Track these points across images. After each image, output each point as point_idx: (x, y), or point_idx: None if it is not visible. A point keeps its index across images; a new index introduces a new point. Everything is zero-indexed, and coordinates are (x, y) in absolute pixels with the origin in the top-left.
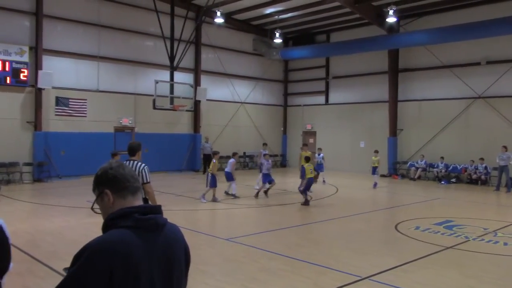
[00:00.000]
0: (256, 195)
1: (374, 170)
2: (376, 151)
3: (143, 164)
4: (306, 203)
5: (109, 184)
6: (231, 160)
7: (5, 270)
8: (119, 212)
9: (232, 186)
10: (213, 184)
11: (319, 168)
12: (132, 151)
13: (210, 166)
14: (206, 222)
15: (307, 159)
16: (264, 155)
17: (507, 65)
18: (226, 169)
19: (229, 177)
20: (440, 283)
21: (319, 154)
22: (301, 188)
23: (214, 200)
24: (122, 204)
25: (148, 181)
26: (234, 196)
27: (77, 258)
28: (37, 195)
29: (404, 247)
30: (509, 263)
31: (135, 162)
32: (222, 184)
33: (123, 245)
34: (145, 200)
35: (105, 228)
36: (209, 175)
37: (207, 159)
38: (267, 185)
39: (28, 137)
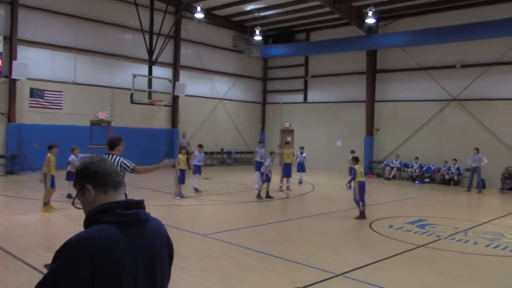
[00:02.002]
0: (258, 195)
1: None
2: (353, 151)
3: (119, 157)
4: (361, 216)
5: (90, 179)
6: (194, 152)
7: None
8: (101, 207)
9: (195, 179)
10: (179, 180)
11: (300, 168)
12: (111, 145)
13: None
14: (183, 218)
15: (357, 160)
16: (271, 153)
17: (481, 69)
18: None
19: (194, 170)
20: (412, 280)
21: (301, 154)
22: (357, 198)
23: (181, 196)
24: (104, 199)
25: (133, 166)
26: (196, 190)
27: (59, 254)
28: (10, 188)
29: (377, 245)
30: (479, 261)
31: (114, 156)
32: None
33: (106, 241)
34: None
35: (87, 223)
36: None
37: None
38: (264, 185)
39: (1, 129)
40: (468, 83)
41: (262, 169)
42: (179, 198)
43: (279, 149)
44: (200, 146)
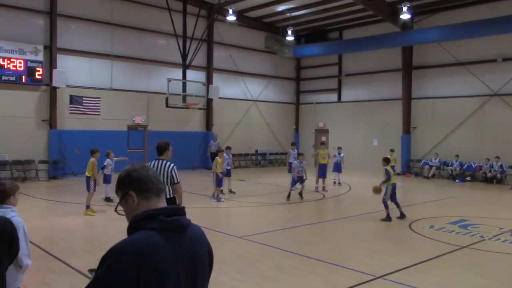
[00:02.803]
0: (288, 197)
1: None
2: (392, 150)
3: (172, 164)
4: (387, 218)
5: (133, 185)
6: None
7: (11, 262)
8: (144, 214)
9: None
10: (217, 183)
11: (337, 168)
12: (160, 150)
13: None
14: (220, 220)
15: (388, 161)
16: (299, 155)
17: None
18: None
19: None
20: (454, 283)
21: (339, 154)
22: (385, 199)
23: (218, 199)
24: (147, 206)
25: (178, 181)
26: (230, 192)
27: (105, 260)
28: (52, 193)
29: (418, 246)
30: None
31: (164, 161)
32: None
33: (150, 247)
34: (171, 199)
35: (131, 230)
36: (214, 174)
37: (214, 157)
38: (298, 186)
39: (43, 135)
40: (510, 77)
41: (296, 173)
42: (215, 201)
43: (314, 150)
44: (228, 148)
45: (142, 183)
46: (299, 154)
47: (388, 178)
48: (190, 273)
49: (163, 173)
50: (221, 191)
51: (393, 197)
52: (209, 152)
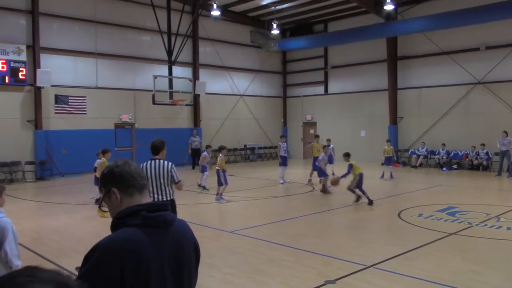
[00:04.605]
0: (324, 190)
1: (389, 160)
2: (388, 141)
3: (170, 163)
4: (357, 199)
5: (116, 182)
6: (203, 153)
7: None
8: (127, 211)
9: (203, 178)
10: (225, 180)
11: (329, 160)
12: (156, 150)
13: (218, 162)
14: (210, 215)
15: (348, 155)
16: (324, 147)
17: (506, 50)
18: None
19: (202, 169)
20: (444, 269)
21: (328, 145)
22: (350, 187)
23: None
24: (130, 202)
25: (179, 179)
26: (204, 188)
27: (88, 257)
28: (40, 194)
29: (407, 235)
30: None
31: (161, 161)
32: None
33: (134, 244)
34: (171, 201)
35: (114, 226)
36: (219, 171)
37: (196, 154)
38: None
39: (29, 136)
40: (493, 65)
41: (318, 164)
42: (224, 201)
43: (303, 143)
44: (208, 146)
45: (125, 179)
46: (324, 146)
47: (348, 172)
48: (176, 268)
49: (163, 173)
50: (203, 186)
51: (359, 186)
52: (190, 149)
